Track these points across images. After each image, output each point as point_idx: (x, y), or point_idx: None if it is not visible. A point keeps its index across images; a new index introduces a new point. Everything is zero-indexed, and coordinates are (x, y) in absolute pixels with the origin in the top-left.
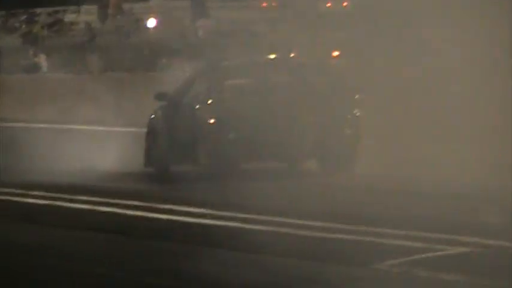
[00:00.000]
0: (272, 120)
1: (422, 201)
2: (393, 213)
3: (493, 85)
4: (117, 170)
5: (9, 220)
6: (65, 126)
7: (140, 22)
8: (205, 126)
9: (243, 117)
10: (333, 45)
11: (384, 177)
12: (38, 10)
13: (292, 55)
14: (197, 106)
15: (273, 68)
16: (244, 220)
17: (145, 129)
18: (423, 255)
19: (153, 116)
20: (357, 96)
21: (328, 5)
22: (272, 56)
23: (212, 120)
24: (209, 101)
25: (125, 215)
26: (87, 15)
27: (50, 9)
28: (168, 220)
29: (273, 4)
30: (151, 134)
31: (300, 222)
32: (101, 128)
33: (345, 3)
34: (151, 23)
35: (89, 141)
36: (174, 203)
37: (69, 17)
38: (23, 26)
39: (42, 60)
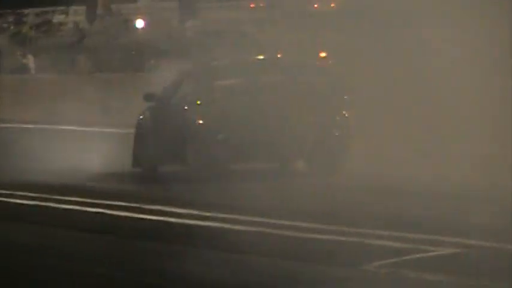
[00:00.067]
0: (261, 121)
1: (412, 201)
2: (382, 213)
3: (493, 85)
4: (105, 170)
5: None
6: (53, 127)
7: (128, 23)
8: (193, 127)
9: (232, 118)
10: (321, 46)
11: (374, 176)
12: (26, 11)
13: (278, 56)
14: (186, 107)
15: (261, 68)
16: (230, 220)
17: (133, 130)
18: (411, 256)
19: (141, 117)
20: (346, 97)
21: (315, 6)
22: (261, 57)
23: (201, 121)
24: (198, 102)
25: (112, 216)
26: (75, 16)
27: (38, 10)
28: (155, 221)
29: (261, 5)
30: (140, 135)
31: (288, 223)
32: (89, 129)
33: (332, 4)
34: (140, 23)
35: (77, 142)
36: (161, 204)
37: (57, 18)
38: (11, 27)
39: (31, 61)
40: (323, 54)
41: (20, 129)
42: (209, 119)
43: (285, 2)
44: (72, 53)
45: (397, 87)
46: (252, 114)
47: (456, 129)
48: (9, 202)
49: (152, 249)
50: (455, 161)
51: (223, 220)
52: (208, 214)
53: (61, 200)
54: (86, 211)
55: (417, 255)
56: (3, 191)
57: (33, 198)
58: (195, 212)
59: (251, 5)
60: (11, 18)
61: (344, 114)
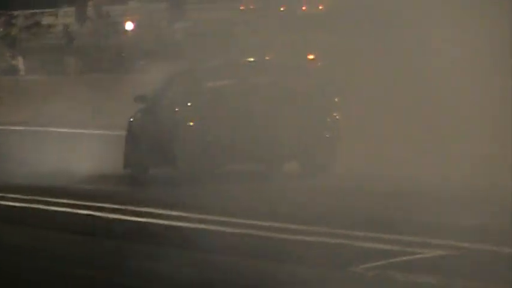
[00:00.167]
0: (251, 123)
1: (399, 202)
2: (370, 215)
3: (493, 85)
4: (95, 172)
5: None
6: (43, 129)
7: (118, 24)
8: (184, 129)
9: (222, 120)
10: (311, 47)
11: (366, 177)
12: (16, 12)
13: (268, 58)
14: (176, 108)
15: (251, 70)
16: (216, 222)
17: (123, 132)
18: (399, 258)
19: (132, 119)
20: (336, 99)
21: (304, 8)
22: (251, 59)
23: (191, 123)
24: (188, 104)
25: (102, 218)
26: (64, 17)
27: (28, 12)
28: (143, 222)
29: (251, 7)
30: (131, 137)
31: (275, 224)
32: (79, 130)
33: (320, 6)
34: (129, 25)
35: (66, 143)
36: (150, 206)
37: (46, 20)
38: (0, 29)
39: (20, 62)
40: (312, 56)
41: (9, 131)
42: (199, 121)
43: (273, 4)
44: (61, 54)
45: (393, 87)
46: (242, 116)
47: (456, 129)
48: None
49: (141, 250)
50: (455, 161)
51: (209, 222)
52: (199, 216)
53: (51, 202)
54: (76, 213)
55: (405, 258)
56: None
57: (21, 201)
58: (188, 214)
59: (241, 7)
60: (0, 20)
61: (335, 116)
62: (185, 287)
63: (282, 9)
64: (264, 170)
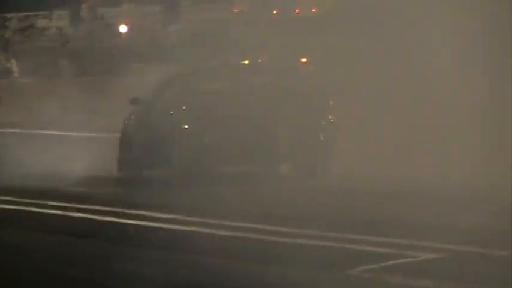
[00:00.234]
0: (246, 125)
1: (399, 202)
2: (367, 217)
3: (493, 85)
4: (89, 174)
5: None
6: (37, 131)
7: (112, 27)
8: (179, 131)
9: (217, 122)
10: (305, 50)
11: (362, 179)
12: (9, 15)
13: (264, 60)
14: (171, 111)
15: (247, 72)
16: (212, 226)
17: (117, 134)
18: (395, 261)
19: (126, 121)
20: (331, 102)
21: (297, 11)
22: (246, 61)
23: (186, 125)
24: (183, 106)
25: (94, 220)
26: (58, 20)
27: (22, 15)
28: (134, 225)
29: (244, 9)
30: (126, 139)
31: (272, 228)
32: (73, 133)
33: (313, 9)
34: (123, 28)
35: (60, 146)
36: (144, 209)
37: (40, 22)
38: None
39: (14, 65)
40: (305, 59)
41: (4, 133)
42: (195, 123)
43: (266, 7)
44: (55, 57)
45: (392, 88)
46: (238, 118)
47: (456, 129)
48: None
49: (132, 253)
50: (455, 161)
51: (205, 225)
52: (190, 219)
53: (44, 204)
54: (69, 216)
55: (401, 260)
56: None
57: (15, 203)
58: (179, 217)
59: (234, 10)
60: None
61: (329, 119)
62: None
63: (275, 12)
64: (260, 172)
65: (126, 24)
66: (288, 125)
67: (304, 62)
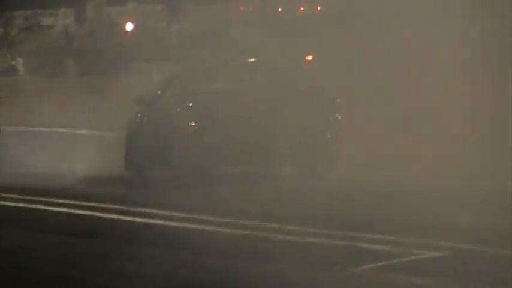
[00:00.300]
0: (250, 124)
1: (399, 203)
2: (372, 216)
3: (493, 85)
4: (93, 173)
5: None
6: (41, 129)
7: (117, 26)
8: (181, 131)
9: (221, 121)
10: (310, 48)
11: (364, 179)
12: (15, 13)
13: (264, 59)
14: (174, 110)
15: (250, 71)
16: (218, 224)
17: (121, 133)
18: (399, 260)
19: (132, 120)
20: (338, 100)
21: (302, 9)
22: (250, 60)
23: (188, 125)
24: (186, 105)
25: (96, 218)
26: (64, 19)
27: (27, 13)
28: (137, 223)
29: (251, 8)
30: (131, 138)
31: (275, 226)
32: (77, 131)
33: (318, 7)
34: (129, 27)
35: (65, 144)
36: (147, 207)
37: (46, 21)
38: (0, 29)
39: (19, 63)
40: (311, 57)
41: (7, 131)
42: (197, 123)
43: (271, 5)
44: (60, 55)
45: (393, 88)
46: (241, 118)
47: (456, 130)
48: None
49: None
50: (455, 161)
51: (208, 223)
52: (196, 217)
53: (48, 202)
54: (74, 214)
55: (405, 259)
56: None
57: (19, 201)
58: (185, 215)
59: (241, 8)
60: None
61: (336, 117)
62: None
63: (279, 10)
64: (264, 171)
65: (131, 23)
66: (292, 124)
67: (310, 61)
